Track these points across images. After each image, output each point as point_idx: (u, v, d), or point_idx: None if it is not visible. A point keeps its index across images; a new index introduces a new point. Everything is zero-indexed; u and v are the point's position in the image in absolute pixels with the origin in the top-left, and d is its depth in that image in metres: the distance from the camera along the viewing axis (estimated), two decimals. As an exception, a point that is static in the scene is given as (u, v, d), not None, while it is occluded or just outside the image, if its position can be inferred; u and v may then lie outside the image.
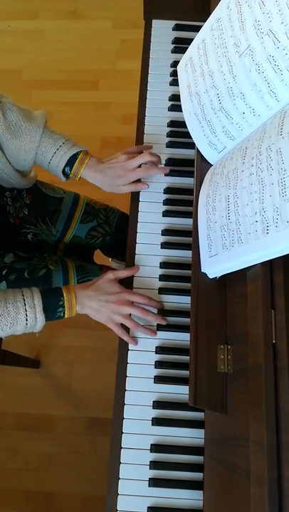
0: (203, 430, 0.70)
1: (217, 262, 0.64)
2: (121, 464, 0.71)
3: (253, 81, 0.61)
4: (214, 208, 0.66)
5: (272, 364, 0.51)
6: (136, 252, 0.85)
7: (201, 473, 0.68)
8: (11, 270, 0.91)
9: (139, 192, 0.90)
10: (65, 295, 0.76)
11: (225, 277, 0.67)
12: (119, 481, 0.71)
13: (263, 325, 0.53)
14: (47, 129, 0.85)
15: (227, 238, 0.61)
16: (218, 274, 0.66)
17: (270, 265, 0.56)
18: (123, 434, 0.73)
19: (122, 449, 0.72)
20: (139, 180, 0.90)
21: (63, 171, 0.87)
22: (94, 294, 0.77)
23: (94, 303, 0.77)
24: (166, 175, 0.91)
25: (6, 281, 0.89)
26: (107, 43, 2.06)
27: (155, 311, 0.80)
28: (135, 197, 0.90)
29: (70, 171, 0.87)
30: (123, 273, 0.82)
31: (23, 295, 0.73)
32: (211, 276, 0.68)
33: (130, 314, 0.78)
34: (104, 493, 0.70)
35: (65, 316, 0.76)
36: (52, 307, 0.75)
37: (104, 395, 1.46)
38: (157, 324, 0.79)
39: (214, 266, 0.65)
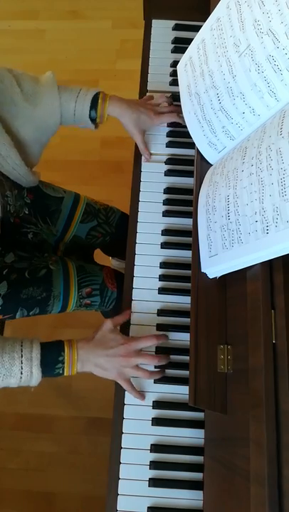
0: (203, 430, 0.70)
1: (217, 262, 0.64)
2: (121, 464, 0.71)
3: (253, 81, 0.61)
4: (214, 208, 0.66)
5: (272, 364, 0.51)
6: (136, 252, 0.85)
7: (201, 473, 0.68)
8: (11, 270, 0.90)
9: (139, 192, 0.90)
10: (66, 350, 0.71)
11: (225, 277, 0.67)
12: (119, 481, 0.71)
13: (263, 325, 0.53)
14: (59, 86, 0.86)
15: (227, 238, 0.61)
16: (218, 274, 0.66)
17: (269, 265, 0.56)
18: (123, 434, 0.73)
19: (122, 449, 0.72)
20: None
21: (90, 117, 0.87)
22: (98, 349, 0.72)
23: (100, 359, 0.71)
24: (166, 175, 0.91)
25: (7, 281, 0.89)
26: (107, 43, 2.06)
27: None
28: (135, 197, 0.90)
29: (96, 113, 0.87)
30: (120, 319, 0.78)
31: (21, 345, 0.69)
32: (211, 276, 0.68)
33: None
34: (104, 493, 0.70)
35: (64, 374, 0.71)
36: (50, 362, 0.70)
37: (104, 395, 1.46)
38: (157, 324, 0.79)
39: (214, 266, 0.65)
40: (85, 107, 0.86)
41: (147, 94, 0.99)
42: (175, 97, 0.96)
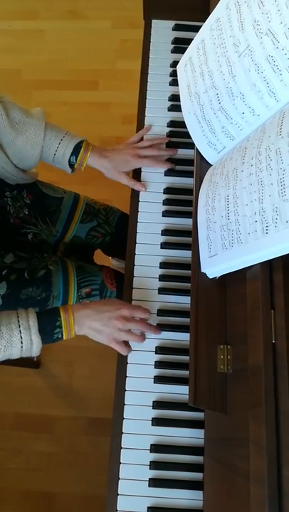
0: (203, 430, 0.70)
1: (217, 262, 0.64)
2: (121, 464, 0.71)
3: (253, 81, 0.61)
4: (214, 208, 0.66)
5: (271, 364, 0.51)
6: (136, 252, 0.85)
7: (201, 474, 0.68)
8: (11, 270, 0.90)
9: (138, 192, 0.90)
10: (62, 315, 0.73)
11: (224, 277, 0.67)
12: (119, 481, 0.71)
13: (263, 325, 0.53)
14: (47, 122, 0.87)
15: (227, 238, 0.61)
16: (218, 274, 0.66)
17: (269, 265, 0.56)
18: (123, 434, 0.73)
19: (122, 449, 0.72)
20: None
21: (69, 162, 0.88)
22: (94, 312, 0.74)
23: (95, 322, 0.73)
24: (165, 175, 0.91)
25: (6, 282, 0.89)
26: (106, 43, 2.06)
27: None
28: (135, 197, 0.90)
29: (76, 160, 0.88)
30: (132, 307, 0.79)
31: (17, 316, 0.71)
32: (210, 276, 0.68)
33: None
34: (104, 493, 0.70)
35: (64, 338, 0.73)
36: (48, 328, 0.72)
37: (104, 395, 1.46)
38: (157, 324, 0.79)
39: (214, 266, 0.65)
40: (67, 153, 0.87)
41: (147, 98, 0.98)
42: (175, 98, 0.96)
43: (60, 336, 0.73)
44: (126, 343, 0.77)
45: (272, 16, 0.56)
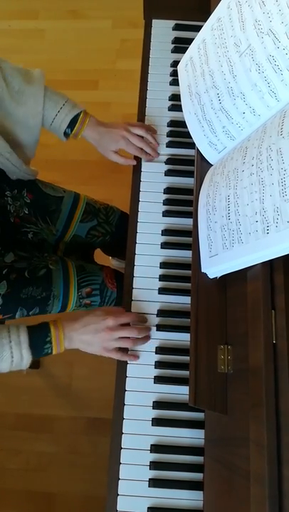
0: (203, 430, 0.70)
1: (217, 262, 0.64)
2: (121, 465, 0.71)
3: (253, 81, 0.61)
4: (214, 208, 0.65)
5: (272, 364, 0.51)
6: (136, 252, 0.85)
7: (201, 474, 0.68)
8: (11, 270, 0.90)
9: (139, 192, 0.90)
10: (52, 331, 0.74)
11: (225, 277, 0.67)
12: (119, 481, 0.71)
13: (263, 325, 0.53)
14: (47, 89, 0.88)
15: (227, 238, 0.61)
16: (219, 274, 0.66)
17: (270, 265, 0.56)
18: (123, 435, 0.73)
19: (122, 450, 0.72)
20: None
21: (64, 132, 0.91)
22: (81, 326, 0.75)
23: (83, 336, 0.75)
24: (166, 175, 0.91)
25: (7, 281, 0.89)
26: (107, 43, 2.06)
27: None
28: (135, 197, 0.90)
29: (71, 131, 0.91)
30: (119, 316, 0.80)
31: (8, 331, 0.72)
32: (211, 276, 0.68)
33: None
34: (104, 493, 0.70)
35: (53, 352, 0.75)
36: (39, 343, 0.73)
37: (104, 395, 1.45)
38: (157, 324, 0.79)
39: (214, 266, 0.65)
40: (63, 125, 0.89)
41: (147, 98, 0.98)
42: (175, 97, 0.96)
43: (49, 351, 0.75)
44: (124, 350, 0.77)
45: (274, 15, 0.56)
